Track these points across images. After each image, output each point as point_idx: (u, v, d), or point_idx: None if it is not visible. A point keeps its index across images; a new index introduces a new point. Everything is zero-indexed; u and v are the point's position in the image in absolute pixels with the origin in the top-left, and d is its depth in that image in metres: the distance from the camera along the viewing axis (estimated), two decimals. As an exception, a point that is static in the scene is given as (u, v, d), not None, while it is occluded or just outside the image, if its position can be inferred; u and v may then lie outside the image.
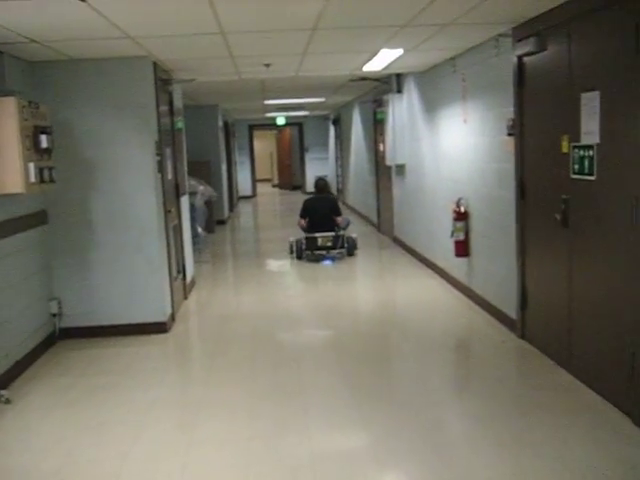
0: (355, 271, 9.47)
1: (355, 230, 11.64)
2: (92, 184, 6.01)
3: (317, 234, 9.88)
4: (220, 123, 15.21)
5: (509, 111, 5.55)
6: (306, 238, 9.96)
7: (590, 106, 4.19)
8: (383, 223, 12.33)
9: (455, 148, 7.24)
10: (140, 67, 6.01)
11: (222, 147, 15.54)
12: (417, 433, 3.90)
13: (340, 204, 12.38)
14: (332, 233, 9.91)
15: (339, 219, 10.17)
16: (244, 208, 19.68)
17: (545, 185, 4.98)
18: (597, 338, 4.31)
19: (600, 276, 4.24)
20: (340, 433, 4.02)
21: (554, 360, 4.95)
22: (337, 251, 9.88)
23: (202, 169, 13.29)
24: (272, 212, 19.01)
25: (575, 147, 4.41)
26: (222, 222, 14.93)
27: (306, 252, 9.92)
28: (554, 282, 4.92)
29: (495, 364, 5.11)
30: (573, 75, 4.44)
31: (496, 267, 6.11)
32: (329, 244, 9.85)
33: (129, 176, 6.04)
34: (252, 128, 22.67)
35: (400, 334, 6.04)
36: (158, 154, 6.29)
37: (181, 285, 7.43)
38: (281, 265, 10.16)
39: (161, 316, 6.23)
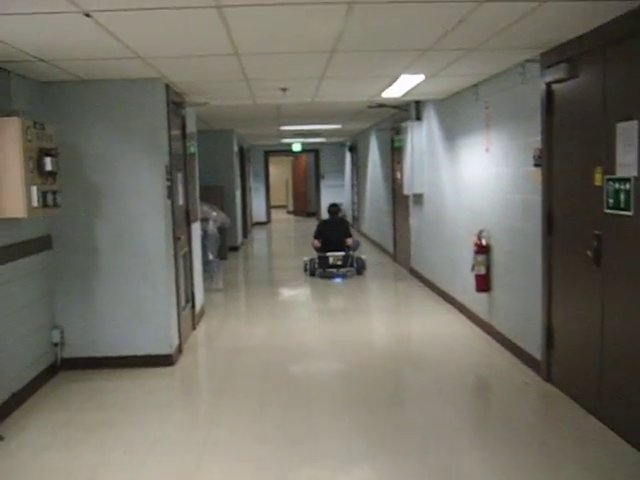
0: (370, 304, 9.17)
1: (371, 259, 12.06)
2: (98, 209, 5.79)
3: (329, 253, 10.83)
4: (235, 148, 15.05)
5: (536, 140, 5.29)
6: (319, 257, 10.88)
7: (627, 136, 3.92)
8: (399, 253, 12.04)
9: (476, 178, 6.97)
10: (152, 89, 5.80)
11: (237, 172, 15.36)
12: (437, 487, 3.59)
13: (354, 230, 13.55)
14: (342, 253, 10.89)
15: (349, 240, 11.16)
16: (258, 234, 19.46)
17: (576, 219, 4.69)
18: (631, 384, 3.99)
19: (635, 318, 3.92)
20: (353, 484, 3.72)
21: (583, 406, 4.62)
22: (347, 269, 10.76)
23: (216, 195, 13.08)
24: (286, 239, 18.78)
25: (610, 180, 4.13)
26: (235, 249, 14.70)
27: (319, 270, 10.79)
28: (584, 322, 4.61)
29: (519, 409, 4.79)
30: (607, 103, 4.18)
31: (519, 303, 5.80)
32: (339, 262, 10.80)
33: (137, 201, 5.81)
34: (268, 154, 22.53)
35: (417, 373, 5.73)
36: (168, 179, 6.07)
37: (190, 315, 7.16)
38: (295, 295, 9.90)
39: (167, 348, 5.96)
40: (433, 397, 5.09)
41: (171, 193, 6.17)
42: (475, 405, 5.11)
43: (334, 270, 10.70)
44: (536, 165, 5.29)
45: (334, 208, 11.81)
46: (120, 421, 4.70)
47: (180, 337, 6.36)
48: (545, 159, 5.10)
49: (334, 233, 11.21)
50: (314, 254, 11.11)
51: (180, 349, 6.35)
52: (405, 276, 10.74)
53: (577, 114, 4.63)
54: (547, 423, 4.63)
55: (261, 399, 5.09)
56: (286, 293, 10.10)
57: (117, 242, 5.82)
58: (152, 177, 5.82)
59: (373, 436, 4.33)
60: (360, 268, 10.88)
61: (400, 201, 11.60)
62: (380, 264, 12.41)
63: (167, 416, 4.86)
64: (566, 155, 4.83)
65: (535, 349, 5.44)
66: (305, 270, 11.13)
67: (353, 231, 13.06)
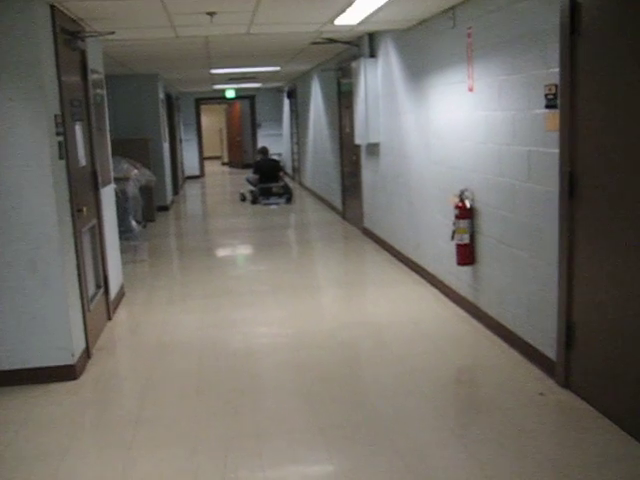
0: (324, 275, 7.85)
1: (316, 217, 12.01)
2: (-39, 177, 4.26)
3: (272, 184, 13.73)
4: (161, 95, 13.34)
5: (548, 74, 3.98)
6: (261, 188, 13.64)
7: None
8: (349, 210, 10.73)
9: (455, 125, 5.65)
10: (29, 12, 4.21)
11: (164, 123, 13.69)
12: None
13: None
14: (281, 183, 13.90)
15: (281, 174, 14.29)
16: (191, 190, 17.83)
17: (616, 181, 3.43)
18: None
19: None
20: None
21: (614, 421, 3.48)
22: (286, 196, 13.63)
23: (139, 149, 11.48)
24: (222, 194, 17.20)
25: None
26: (165, 208, 13.13)
27: (262, 198, 13.53)
28: (621, 317, 3.41)
29: (537, 429, 3.59)
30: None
31: (520, 285, 4.57)
32: (281, 191, 13.67)
33: (14, 166, 4.29)
34: (199, 102, 20.71)
35: (393, 376, 4.44)
36: (59, 133, 4.54)
37: (103, 304, 5.72)
38: (233, 266, 8.53)
39: (66, 357, 4.53)
40: (423, 415, 3.84)
41: (64, 151, 4.65)
42: (478, 424, 3.83)
43: (275, 198, 13.50)
44: (549, 107, 4.00)
45: (264, 149, 14.89)
46: (-9, 482, 3.31)
47: (87, 338, 4.93)
48: (566, 98, 3.80)
49: (270, 169, 13.85)
50: (247, 189, 14.12)
51: (88, 353, 4.93)
52: (358, 237, 9.45)
53: (619, 34, 3.33)
54: (576, 446, 3.40)
55: (194, 427, 3.76)
56: (223, 263, 8.70)
57: (-9, 221, 4.32)
58: (34, 132, 4.28)
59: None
60: (290, 197, 13.66)
61: (349, 152, 10.24)
62: (327, 223, 11.11)
63: (58, 466, 3.46)
64: (598, 93, 3.53)
65: (547, 346, 4.24)
66: (243, 200, 13.99)
67: (290, 181, 16.47)
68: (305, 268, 8.01)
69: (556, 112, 3.91)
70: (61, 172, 4.58)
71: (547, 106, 4.02)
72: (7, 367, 4.46)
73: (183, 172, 18.66)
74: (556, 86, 3.89)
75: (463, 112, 5.43)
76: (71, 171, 4.77)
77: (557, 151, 3.92)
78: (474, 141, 5.23)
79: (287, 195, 13.64)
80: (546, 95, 4.01)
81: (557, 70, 3.85)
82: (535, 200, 4.28)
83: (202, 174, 20.95)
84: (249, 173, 14.63)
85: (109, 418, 4.08)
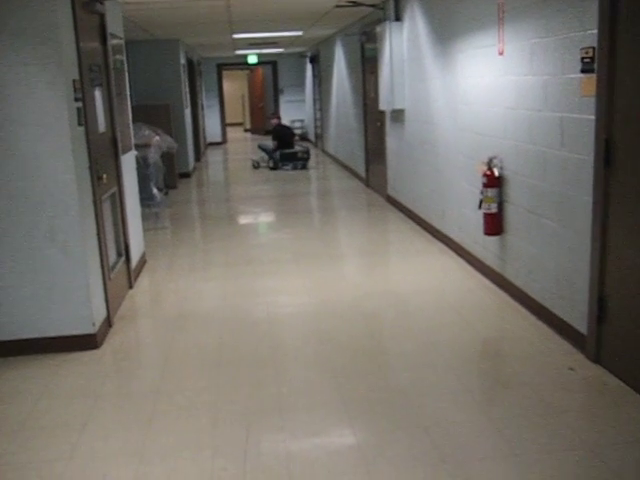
0: (349, 243, 7.74)
1: (340, 184, 11.86)
2: (-20, 144, 4.19)
3: (293, 149, 14.09)
4: (182, 61, 13.18)
5: (585, 36, 3.80)
6: (282, 153, 13.87)
7: None
8: (373, 178, 10.58)
9: (484, 90, 5.47)
10: (46, -28, 4.10)
11: (185, 89, 13.55)
12: None
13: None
14: (304, 148, 14.24)
15: (296, 138, 15.44)
16: (213, 157, 17.74)
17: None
18: None
19: None
20: None
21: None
22: (306, 160, 14.05)
23: (160, 115, 11.39)
24: (244, 161, 17.04)
25: None
26: (186, 175, 13.07)
27: (282, 163, 13.85)
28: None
29: (566, 405, 3.48)
30: None
31: (550, 257, 4.43)
32: (305, 156, 13.99)
33: (33, 133, 4.20)
34: (221, 67, 20.51)
35: (416, 347, 4.34)
36: (78, 99, 4.45)
37: (124, 272, 5.67)
38: (256, 231, 8.46)
39: (87, 326, 4.50)
40: (448, 391, 3.75)
41: (84, 117, 4.56)
42: (505, 402, 3.74)
43: (299, 162, 13.85)
44: (585, 71, 3.82)
45: (278, 114, 15.74)
46: (8, 451, 3.28)
47: (108, 307, 4.89)
48: (604, 62, 3.62)
49: (287, 135, 14.32)
50: (259, 156, 14.55)
51: (109, 322, 4.89)
52: (381, 205, 9.32)
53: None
54: (612, 427, 3.30)
55: (214, 399, 3.71)
56: (245, 230, 8.63)
57: (8, 190, 4.24)
58: (52, 98, 4.18)
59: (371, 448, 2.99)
60: (307, 161, 14.11)
61: (374, 118, 10.05)
62: (351, 190, 10.98)
63: (78, 438, 3.42)
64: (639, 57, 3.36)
65: (576, 319, 4.11)
66: (256, 167, 14.20)
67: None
68: (328, 236, 7.91)
69: (592, 76, 3.73)
70: (80, 139, 4.49)
71: (583, 70, 3.84)
72: (27, 336, 4.43)
73: (205, 139, 18.54)
74: (593, 49, 3.71)
75: (492, 77, 5.24)
76: (90, 138, 4.68)
77: (593, 117, 3.75)
78: (503, 107, 5.05)
79: (307, 159, 14.03)
80: (582, 59, 3.82)
81: (595, 32, 3.67)
82: (567, 168, 4.12)
83: (224, 141, 20.83)
84: (263, 141, 15.23)
85: (129, 389, 4.04)
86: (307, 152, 14.05)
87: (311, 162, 14.55)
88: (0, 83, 4.13)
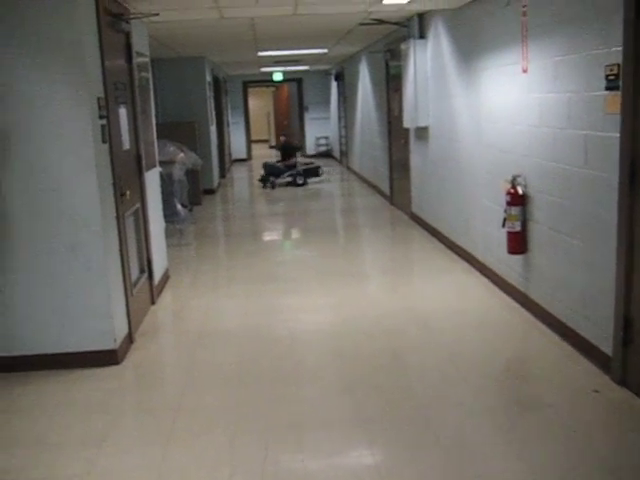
0: (372, 262, 7.71)
1: (364, 201, 11.79)
2: (5, 158, 4.23)
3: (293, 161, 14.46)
4: (208, 78, 13.31)
5: (610, 53, 3.76)
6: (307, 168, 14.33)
7: None
8: (397, 195, 10.55)
9: (507, 108, 5.43)
10: (72, -8, 4.16)
11: (211, 106, 13.65)
12: None
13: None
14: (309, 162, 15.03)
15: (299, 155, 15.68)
16: (238, 173, 17.84)
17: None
18: None
19: None
20: None
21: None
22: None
23: (186, 132, 11.50)
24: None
25: None
26: (211, 191, 13.14)
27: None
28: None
29: (590, 428, 3.41)
30: None
31: (575, 276, 4.36)
32: (304, 170, 14.25)
33: (57, 149, 4.25)
34: (246, 85, 20.66)
35: (438, 367, 4.29)
36: (102, 116, 4.49)
37: (146, 288, 5.69)
38: (281, 252, 8.46)
39: (108, 342, 4.51)
40: (461, 409, 3.70)
41: (108, 135, 4.60)
42: (526, 425, 3.67)
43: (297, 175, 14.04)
44: (610, 88, 3.78)
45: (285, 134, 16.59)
46: (28, 466, 3.29)
47: (130, 323, 4.90)
48: (629, 79, 3.58)
49: (289, 149, 15.01)
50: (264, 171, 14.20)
51: (130, 338, 4.90)
52: (405, 223, 9.28)
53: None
54: (623, 444, 3.22)
55: (235, 420, 3.69)
56: (269, 247, 8.63)
57: (33, 205, 4.29)
58: (77, 115, 4.23)
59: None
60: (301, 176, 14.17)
61: (398, 135, 10.04)
62: (375, 207, 10.96)
63: (96, 455, 3.42)
64: (665, 72, 3.32)
65: (601, 340, 4.04)
66: (266, 184, 13.89)
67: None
68: (351, 254, 7.89)
69: (617, 94, 3.69)
70: (104, 156, 4.53)
71: (607, 88, 3.79)
72: (49, 351, 4.46)
73: (230, 155, 18.66)
74: (618, 66, 3.67)
75: (516, 94, 5.21)
76: (114, 155, 4.73)
77: (617, 135, 3.70)
78: (527, 124, 5.01)
79: (311, 174, 14.19)
80: (607, 76, 3.78)
81: (620, 49, 3.63)
82: (592, 187, 4.07)
83: (249, 157, 20.94)
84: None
85: (149, 405, 4.04)
86: (312, 167, 14.32)
87: (335, 178, 14.57)
88: (26, 100, 4.19)
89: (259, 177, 14.26)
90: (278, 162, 14.56)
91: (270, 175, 13.96)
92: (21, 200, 4.28)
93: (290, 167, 14.19)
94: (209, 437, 3.51)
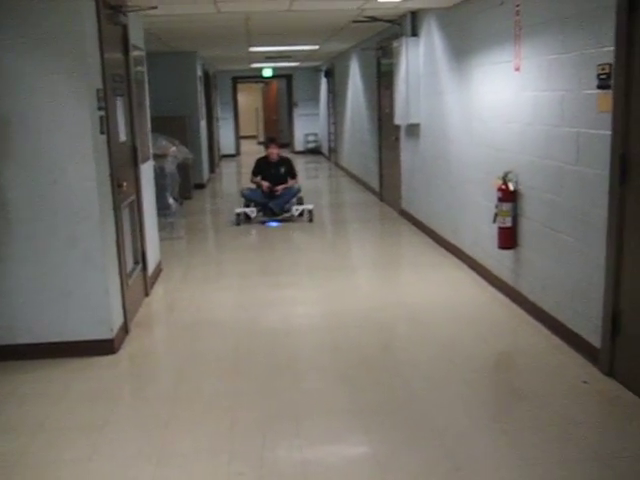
0: (362, 256, 7.79)
1: (353, 198, 11.57)
2: (5, 151, 4.26)
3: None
4: (199, 73, 13.33)
5: (602, 53, 3.85)
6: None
7: None
8: (387, 191, 10.63)
9: (500, 106, 5.52)
10: (73, -16, 4.20)
11: (201, 101, 13.67)
12: None
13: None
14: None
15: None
16: (227, 169, 17.86)
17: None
18: None
19: None
20: None
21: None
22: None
23: (177, 126, 11.49)
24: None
25: None
26: (201, 186, 13.16)
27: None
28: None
29: (580, 417, 3.50)
30: None
31: (565, 271, 4.46)
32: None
33: (55, 140, 4.29)
34: (236, 80, 20.67)
35: (431, 359, 4.36)
36: (101, 108, 4.53)
37: (140, 280, 5.74)
38: (272, 246, 8.51)
39: (105, 331, 4.56)
40: (453, 401, 3.78)
41: (106, 126, 4.64)
42: (519, 416, 3.77)
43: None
44: (601, 87, 3.87)
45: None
46: (28, 452, 3.34)
47: (125, 314, 4.94)
48: (620, 79, 3.67)
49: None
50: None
51: (126, 329, 4.94)
52: (395, 219, 9.36)
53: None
54: (612, 433, 3.32)
55: (231, 410, 3.75)
56: (259, 241, 8.69)
57: (32, 196, 4.32)
58: (76, 106, 4.28)
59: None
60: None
61: (388, 132, 10.12)
62: (364, 203, 11.04)
63: (95, 440, 3.47)
64: (657, 72, 3.41)
65: (590, 332, 4.14)
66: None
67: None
68: (341, 249, 7.96)
69: (609, 93, 3.78)
70: (102, 147, 4.57)
71: (599, 86, 3.89)
72: (47, 340, 4.49)
73: (219, 150, 18.68)
74: (610, 65, 3.76)
75: (509, 93, 5.30)
76: (112, 146, 4.77)
77: (609, 133, 3.79)
78: (520, 122, 5.10)
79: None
80: (599, 75, 3.88)
81: (612, 49, 3.72)
82: (583, 184, 4.16)
83: (238, 153, 20.97)
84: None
85: (146, 394, 4.10)
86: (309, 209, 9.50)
87: (323, 174, 14.59)
88: (26, 92, 4.22)
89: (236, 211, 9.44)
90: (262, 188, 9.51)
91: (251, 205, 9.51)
92: (20, 191, 4.31)
93: (276, 197, 9.48)
94: (207, 424, 3.57)
